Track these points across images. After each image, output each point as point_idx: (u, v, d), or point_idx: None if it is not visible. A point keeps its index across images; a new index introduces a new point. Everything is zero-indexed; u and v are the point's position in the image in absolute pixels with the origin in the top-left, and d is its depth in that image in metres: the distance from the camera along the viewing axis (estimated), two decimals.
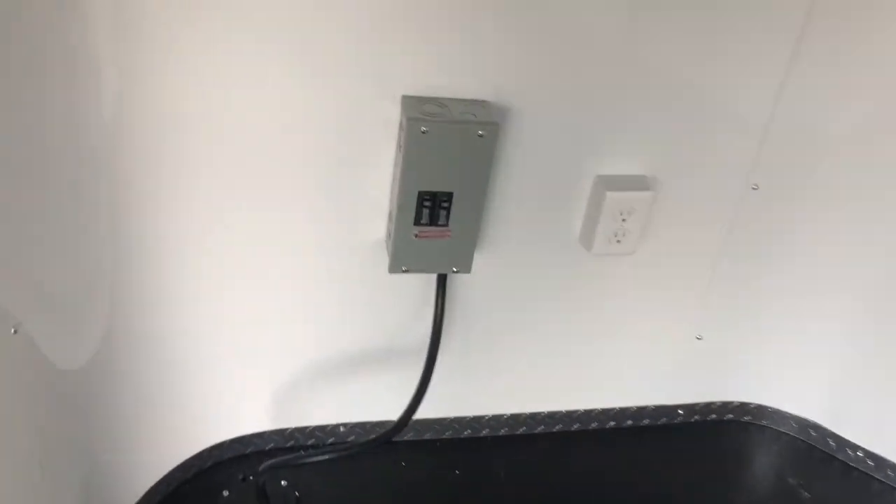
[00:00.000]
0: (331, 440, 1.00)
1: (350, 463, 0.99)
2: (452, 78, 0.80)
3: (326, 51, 0.76)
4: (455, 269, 0.86)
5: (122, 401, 0.88)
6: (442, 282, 0.87)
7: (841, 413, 1.09)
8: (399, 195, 0.80)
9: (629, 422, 1.11)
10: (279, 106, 0.78)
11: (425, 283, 0.91)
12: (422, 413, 0.90)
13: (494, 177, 0.86)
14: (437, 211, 0.82)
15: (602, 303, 1.01)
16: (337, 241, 0.87)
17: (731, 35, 0.85)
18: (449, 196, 0.81)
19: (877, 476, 1.07)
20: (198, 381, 0.93)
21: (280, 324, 0.92)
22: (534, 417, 1.07)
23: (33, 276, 0.67)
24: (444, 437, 1.05)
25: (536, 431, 1.07)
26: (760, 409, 1.13)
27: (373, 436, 0.97)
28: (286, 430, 0.99)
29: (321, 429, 1.00)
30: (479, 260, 0.87)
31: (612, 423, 1.10)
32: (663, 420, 1.12)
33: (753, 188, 0.96)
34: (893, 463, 1.06)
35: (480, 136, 0.78)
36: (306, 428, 1.00)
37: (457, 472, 1.06)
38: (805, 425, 1.12)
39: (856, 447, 1.08)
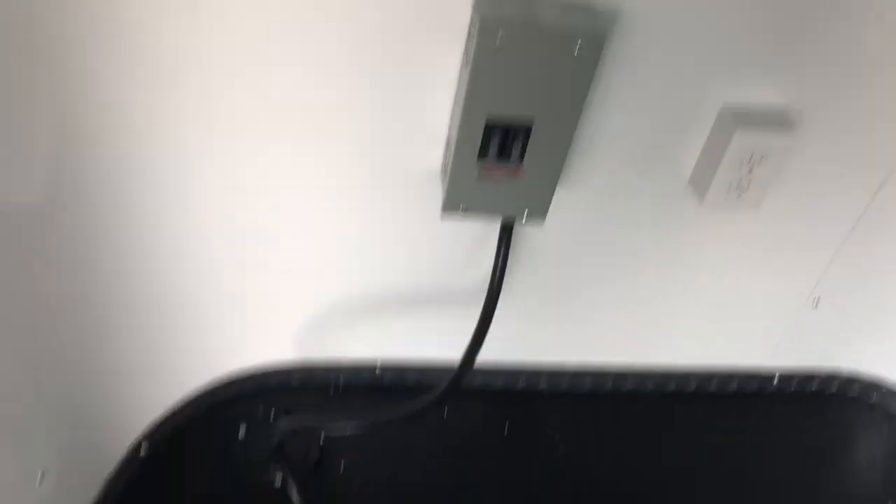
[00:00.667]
0: (366, 378, 0.88)
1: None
2: None
3: None
4: (525, 220, 0.68)
5: (145, 323, 0.79)
6: (507, 232, 0.69)
7: None
8: (461, 122, 0.61)
9: (713, 386, 0.94)
10: None
11: (486, 223, 0.73)
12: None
13: (587, 103, 0.65)
14: (510, 145, 0.63)
15: (707, 260, 0.82)
16: (384, 168, 0.70)
17: None
18: (527, 128, 0.62)
19: None
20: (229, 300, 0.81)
21: (314, 250, 0.77)
22: (602, 374, 0.91)
23: None
24: (494, 385, 0.91)
25: (602, 391, 0.92)
26: (873, 385, 0.96)
27: (404, 411, 0.82)
28: (314, 363, 0.87)
29: (354, 368, 0.87)
30: (554, 201, 0.68)
31: (693, 386, 0.94)
32: (754, 386, 0.95)
33: None
34: None
35: (579, 51, 0.58)
36: (340, 361, 0.87)
37: (505, 428, 0.93)
38: None
39: None
